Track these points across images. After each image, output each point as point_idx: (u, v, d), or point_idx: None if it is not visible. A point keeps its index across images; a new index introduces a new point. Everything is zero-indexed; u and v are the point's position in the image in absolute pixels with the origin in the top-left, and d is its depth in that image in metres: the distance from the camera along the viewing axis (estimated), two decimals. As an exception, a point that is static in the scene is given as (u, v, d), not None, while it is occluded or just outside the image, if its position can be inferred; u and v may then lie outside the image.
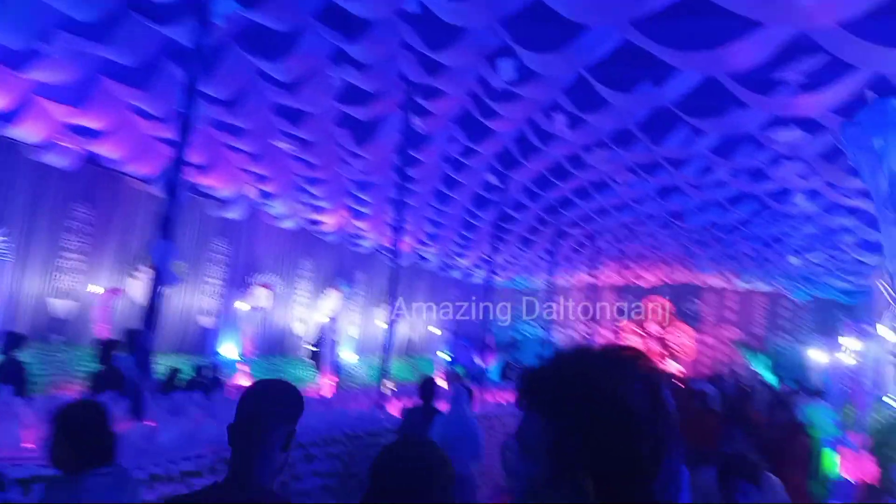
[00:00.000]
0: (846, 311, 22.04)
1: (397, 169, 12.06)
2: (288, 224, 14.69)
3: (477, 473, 4.98)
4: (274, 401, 1.82)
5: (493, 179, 12.19)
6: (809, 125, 7.48)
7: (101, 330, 10.12)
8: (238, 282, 13.96)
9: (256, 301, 13.97)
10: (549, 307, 25.29)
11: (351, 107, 9.31)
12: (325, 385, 13.35)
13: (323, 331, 16.35)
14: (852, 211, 10.99)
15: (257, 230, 14.58)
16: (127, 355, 5.66)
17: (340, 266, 17.65)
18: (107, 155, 10.00)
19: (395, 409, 7.58)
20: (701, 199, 12.36)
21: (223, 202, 12.79)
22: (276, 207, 13.43)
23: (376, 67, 8.23)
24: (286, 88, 8.68)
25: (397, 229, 8.74)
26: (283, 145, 10.29)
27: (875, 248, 13.40)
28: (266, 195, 12.63)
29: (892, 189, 1.49)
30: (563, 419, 1.01)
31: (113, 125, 9.18)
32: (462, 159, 11.37)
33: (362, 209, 14.24)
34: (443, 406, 5.65)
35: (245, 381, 11.85)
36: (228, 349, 13.19)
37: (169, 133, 9.29)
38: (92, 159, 10.06)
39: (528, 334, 25.36)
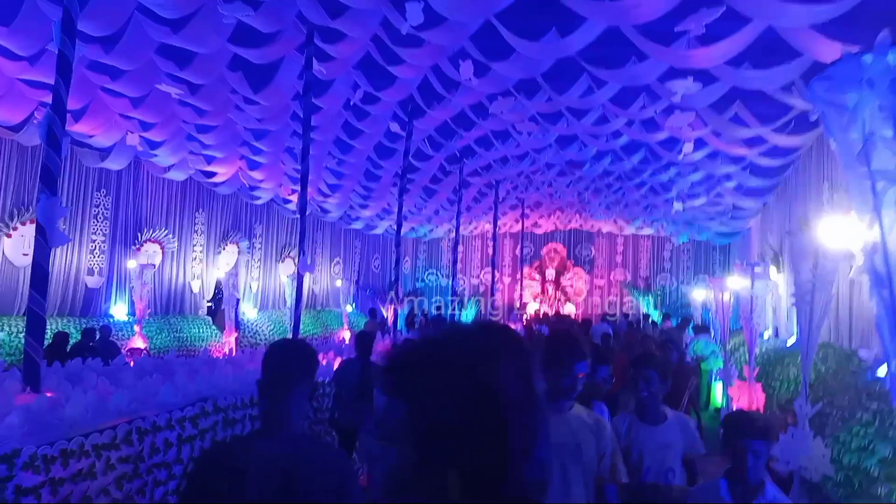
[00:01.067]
0: (721, 252, 23.89)
1: (296, 116, 11.61)
2: (177, 175, 13.82)
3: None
4: (299, 357, 2.07)
5: (395, 128, 11.96)
6: (703, 76, 7.81)
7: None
8: (125, 238, 13.06)
9: (147, 258, 13.16)
10: (451, 256, 25.68)
11: (245, 49, 8.72)
12: (228, 343, 12.92)
13: (221, 287, 15.74)
14: (735, 159, 11.70)
15: (143, 182, 13.64)
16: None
17: (237, 219, 16.92)
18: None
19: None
20: (597, 149, 12.74)
21: (103, 152, 11.80)
22: (164, 158, 12.55)
23: (273, 6, 7.73)
24: (172, 26, 8.00)
25: (301, 181, 8.37)
26: (170, 89, 9.54)
27: (752, 193, 14.45)
28: (151, 144, 11.76)
29: (866, 145, 1.58)
30: (427, 407, 0.93)
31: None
32: (364, 107, 11.05)
33: (258, 159, 13.61)
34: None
35: (141, 344, 11.23)
36: (119, 310, 12.41)
37: (38, 75, 8.41)
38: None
39: (430, 283, 25.65)
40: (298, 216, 18.85)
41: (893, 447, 4.06)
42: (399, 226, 11.27)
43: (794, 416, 4.91)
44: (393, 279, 24.50)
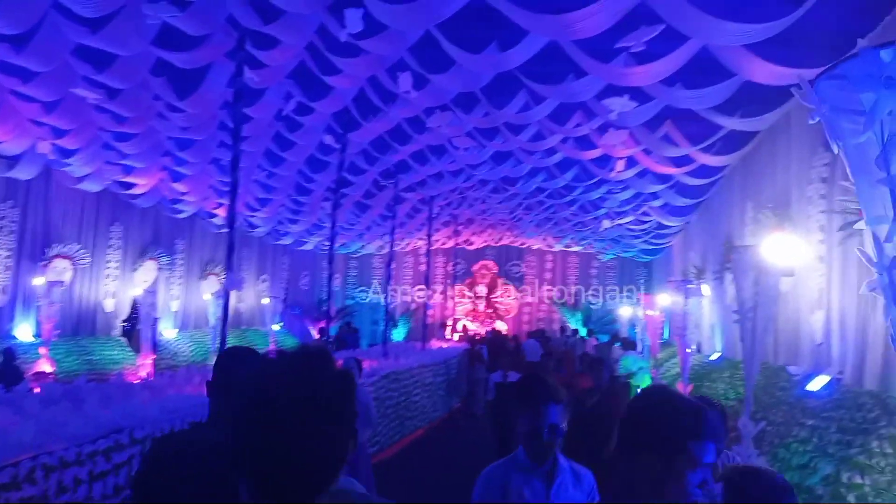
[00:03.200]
0: (645, 269, 24.62)
1: (224, 126, 11.11)
2: (92, 186, 12.97)
3: (368, 441, 5.04)
4: (244, 360, 2.27)
5: (329, 140, 11.63)
6: (638, 94, 7.94)
7: None
8: (32, 253, 12.11)
9: (56, 275, 12.24)
10: (383, 272, 25.31)
11: (171, 52, 8.25)
12: (145, 366, 12.13)
13: (138, 306, 14.85)
14: (663, 178, 12.03)
15: (54, 193, 12.73)
16: None
17: (157, 233, 16.06)
18: None
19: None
20: (532, 166, 12.83)
21: (11, 160, 10.93)
22: (78, 167, 11.74)
23: (203, 8, 7.33)
24: (90, 26, 7.46)
25: (231, 193, 7.95)
26: (86, 94, 8.92)
27: (677, 212, 14.92)
28: (64, 152, 10.97)
29: (886, 148, 1.52)
30: (234, 424, 1.09)
31: None
32: (297, 118, 10.70)
33: (182, 170, 12.96)
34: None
35: (48, 368, 10.36)
36: (24, 331, 11.46)
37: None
38: None
39: (361, 300, 25.18)
40: (224, 231, 18.10)
41: (836, 465, 4.08)
42: (332, 241, 10.92)
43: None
44: (323, 297, 23.93)
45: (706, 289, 8.22)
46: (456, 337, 20.16)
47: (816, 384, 6.00)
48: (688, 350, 7.63)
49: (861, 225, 2.17)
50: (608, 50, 6.85)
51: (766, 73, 6.48)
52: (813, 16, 5.67)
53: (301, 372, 1.10)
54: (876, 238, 1.83)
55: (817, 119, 1.99)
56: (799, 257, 4.71)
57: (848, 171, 2.07)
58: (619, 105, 7.52)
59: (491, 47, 7.38)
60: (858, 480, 3.71)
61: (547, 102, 8.74)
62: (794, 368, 6.90)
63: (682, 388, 7.09)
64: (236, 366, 2.27)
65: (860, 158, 1.83)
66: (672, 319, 13.81)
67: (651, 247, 20.53)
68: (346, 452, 1.11)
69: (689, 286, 7.09)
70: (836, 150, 2.02)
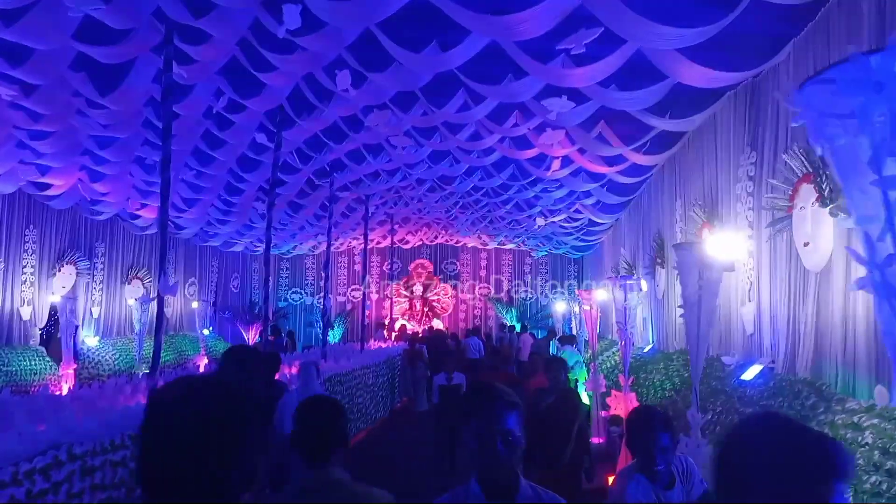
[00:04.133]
0: (576, 265, 25.22)
1: (148, 124, 10.61)
2: (5, 188, 12.15)
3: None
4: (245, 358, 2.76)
5: (262, 139, 11.31)
6: (574, 95, 8.08)
7: None
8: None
9: (-35, 282, 11.41)
10: (317, 273, 24.86)
11: (92, 46, 7.80)
12: (67, 376, 11.46)
13: (57, 313, 14.04)
14: (595, 177, 12.32)
15: (-39, 195, 11.87)
16: None
17: (75, 237, 15.21)
18: None
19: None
20: (469, 165, 12.88)
21: None
22: (-12, 167, 10.98)
23: (128, 0, 6.97)
24: (4, 18, 6.96)
25: (162, 194, 7.60)
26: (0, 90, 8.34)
27: (608, 209, 15.33)
28: (-27, 152, 10.24)
29: (877, 152, 1.57)
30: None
31: None
32: (228, 115, 10.34)
33: (102, 169, 12.32)
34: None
35: (-41, 382, 9.64)
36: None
37: None
38: None
39: (294, 302, 24.68)
40: (148, 233, 17.31)
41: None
42: (268, 242, 10.62)
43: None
44: (255, 299, 23.28)
45: (645, 284, 8.47)
46: (393, 336, 20.04)
47: (750, 373, 6.29)
48: (631, 344, 7.86)
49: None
50: (547, 51, 6.94)
51: (697, 76, 6.73)
52: (741, 21, 5.90)
53: (197, 400, 1.17)
54: (867, 237, 1.89)
55: (802, 122, 2.05)
56: (738, 253, 4.92)
57: (833, 171, 2.15)
58: (558, 105, 7.64)
59: (431, 46, 7.35)
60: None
61: (486, 102, 8.77)
62: (728, 358, 7.21)
63: (623, 380, 7.28)
64: (239, 364, 2.66)
65: (847, 160, 1.89)
66: (609, 314, 14.18)
67: (582, 243, 21.03)
68: (243, 476, 1.16)
69: (629, 281, 7.27)
70: (818, 152, 2.09)
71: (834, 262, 5.39)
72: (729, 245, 4.52)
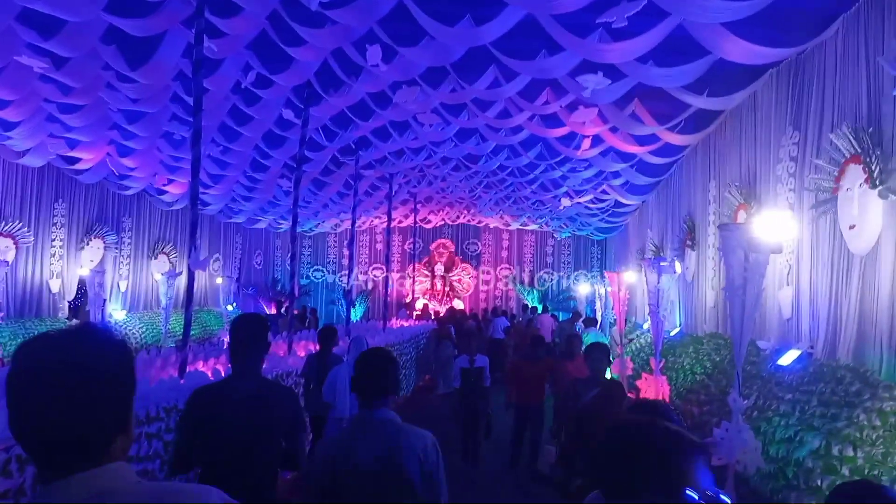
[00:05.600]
0: (599, 247, 24.99)
1: (176, 98, 10.59)
2: (34, 161, 12.24)
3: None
4: (259, 324, 3.11)
5: (289, 115, 11.24)
6: (609, 72, 7.89)
7: None
8: (-29, 231, 11.42)
9: (-3, 254, 11.57)
10: (339, 251, 24.92)
11: (123, 18, 7.75)
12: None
13: (85, 286, 14.22)
14: (625, 157, 12.10)
15: (-7, 168, 11.98)
16: None
17: (103, 211, 15.34)
18: None
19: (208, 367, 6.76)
20: (496, 143, 12.72)
21: (-57, 132, 10.20)
22: (19, 141, 11.04)
23: (160, -28, 6.91)
24: (36, -11, 6.93)
25: (192, 169, 7.58)
26: (31, 62, 8.33)
27: (636, 190, 15.09)
28: (5, 125, 10.29)
29: None
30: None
31: None
32: (256, 91, 10.27)
33: (131, 144, 12.35)
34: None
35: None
36: (-36, 314, 10.82)
37: None
38: None
39: (316, 280, 24.78)
40: (177, 209, 17.41)
41: (823, 438, 4.16)
42: (294, 218, 10.61)
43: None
44: (277, 276, 23.42)
45: (679, 266, 8.31)
46: (415, 315, 20.08)
47: (787, 358, 6.15)
48: (642, 326, 7.74)
49: None
50: (585, 25, 6.76)
51: (740, 51, 6.52)
52: (789, -5, 5.69)
53: (59, 345, 1.15)
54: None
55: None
56: (785, 234, 4.76)
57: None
58: (593, 82, 7.46)
59: (465, 20, 7.19)
60: (850, 453, 3.79)
61: (518, 79, 8.61)
62: (764, 343, 7.06)
63: (654, 363, 7.17)
64: (253, 329, 3.07)
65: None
66: (634, 296, 14.00)
67: (607, 225, 20.78)
68: (120, 419, 1.18)
69: (663, 263, 7.13)
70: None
71: (881, 246, 5.21)
72: (775, 226, 4.37)
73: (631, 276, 9.99)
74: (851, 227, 5.61)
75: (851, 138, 5.54)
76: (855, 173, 5.49)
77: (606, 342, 11.87)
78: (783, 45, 6.74)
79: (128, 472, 1.17)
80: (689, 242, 11.13)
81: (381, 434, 2.51)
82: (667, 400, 6.97)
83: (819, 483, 3.75)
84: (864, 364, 5.11)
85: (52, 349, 1.15)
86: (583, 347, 7.76)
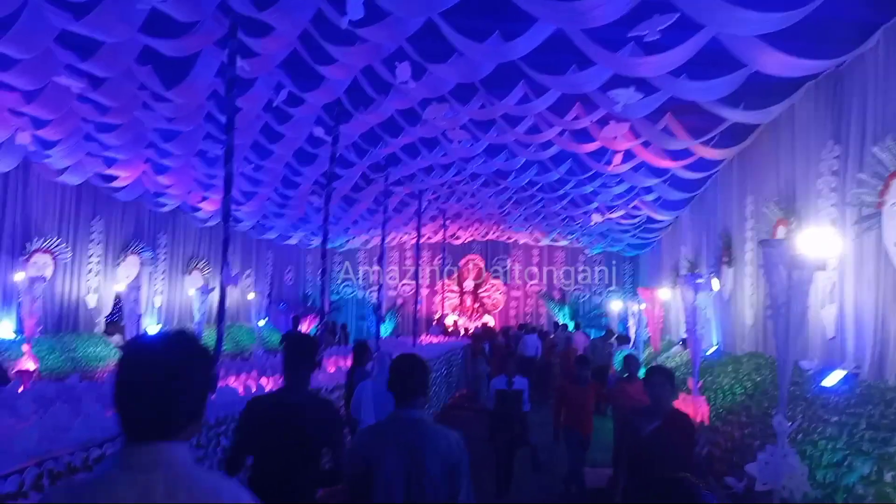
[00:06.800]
0: (631, 263, 24.63)
1: (210, 117, 10.75)
2: (72, 179, 12.53)
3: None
4: (309, 343, 3.58)
5: (319, 132, 11.33)
6: (642, 86, 7.77)
7: None
8: (12, 248, 11.68)
9: (37, 270, 11.82)
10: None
11: (158, 39, 7.90)
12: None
13: (122, 301, 14.44)
14: (658, 172, 11.91)
15: (33, 185, 12.28)
16: None
17: (139, 228, 15.63)
18: None
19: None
20: (525, 159, 12.64)
21: (-13, 151, 10.48)
22: (58, 159, 11.32)
23: (194, -7, 7.02)
24: (73, 11, 7.10)
25: (225, 186, 7.66)
26: (69, 83, 8.54)
27: (668, 206, 14.84)
28: (45, 144, 10.56)
29: None
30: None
31: None
32: (287, 109, 10.38)
33: (166, 162, 12.58)
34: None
35: (31, 365, 9.97)
36: (5, 328, 11.04)
37: None
38: None
39: (346, 296, 24.87)
40: (209, 225, 17.66)
41: (874, 463, 3.95)
42: (325, 234, 10.63)
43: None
44: (308, 292, 23.57)
45: (716, 283, 8.09)
46: (447, 332, 19.99)
47: (832, 379, 5.91)
48: (703, 348, 7.41)
49: None
50: (616, 39, 6.67)
51: (777, 63, 6.36)
52: (827, 6, 5.52)
53: (160, 344, 1.50)
54: None
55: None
56: (830, 250, 4.59)
57: None
58: (625, 97, 7.35)
59: (494, 36, 7.15)
60: (903, 481, 3.60)
61: (548, 94, 8.54)
62: (807, 363, 6.80)
63: (692, 383, 6.96)
64: (303, 347, 3.48)
65: None
66: (668, 313, 13.71)
67: (639, 241, 20.49)
68: (197, 408, 1.49)
69: (699, 280, 6.94)
70: None
71: (931, 263, 4.99)
72: (818, 242, 4.20)
73: (665, 293, 9.75)
74: (898, 244, 5.39)
75: (897, 151, 5.34)
76: (901, 187, 5.28)
77: (641, 360, 11.65)
78: (821, 56, 6.57)
79: (190, 452, 1.47)
80: (725, 259, 10.88)
81: (408, 431, 2.81)
82: (706, 421, 6.75)
83: (871, 512, 3.56)
84: (914, 387, 4.87)
85: (154, 348, 1.49)
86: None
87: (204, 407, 1.52)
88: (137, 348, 1.53)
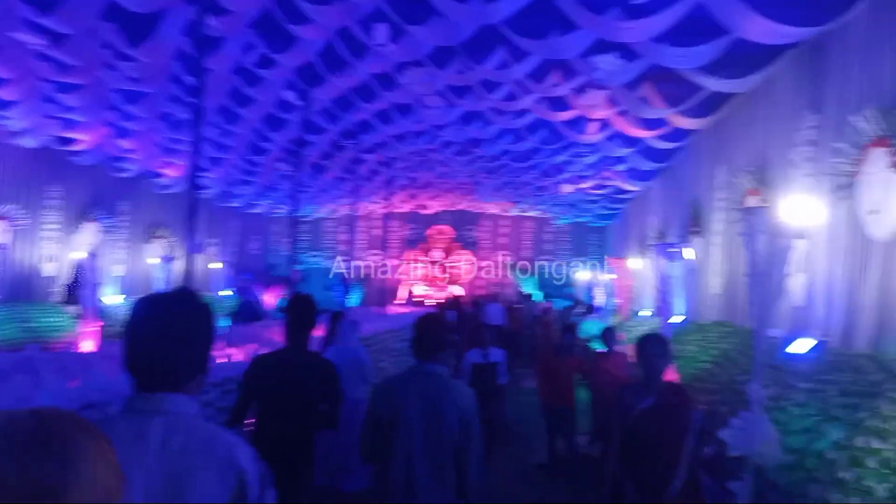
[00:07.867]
0: (598, 234, 24.87)
1: (175, 78, 10.35)
2: (29, 142, 11.99)
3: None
4: (310, 305, 3.74)
5: (289, 97, 11.04)
6: (624, 52, 7.73)
7: None
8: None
9: (-7, 237, 11.36)
10: (335, 237, 24.75)
11: (123, -6, 7.54)
12: (91, 333, 11.42)
13: (80, 270, 13.99)
14: (631, 141, 11.95)
15: (-13, 148, 11.73)
16: None
17: (99, 194, 15.09)
18: None
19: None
20: (500, 127, 12.55)
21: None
22: (15, 121, 10.80)
23: (162, -56, 6.69)
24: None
25: (192, 152, 7.39)
26: (27, 39, 8.10)
27: (638, 176, 14.96)
28: (1, 104, 10.05)
29: None
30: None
31: None
32: (257, 71, 10.06)
33: (128, 125, 12.12)
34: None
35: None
36: (-42, 297, 10.61)
37: None
38: None
39: (313, 265, 24.60)
40: (171, 192, 17.14)
41: (845, 430, 4.05)
42: (296, 203, 10.44)
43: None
44: (275, 262, 23.22)
45: (689, 252, 8.18)
46: (413, 302, 19.97)
47: (800, 347, 6.05)
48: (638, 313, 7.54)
49: None
50: (600, 2, 6.59)
51: (762, 30, 6.36)
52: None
53: (168, 300, 1.61)
54: None
55: None
56: (812, 219, 4.66)
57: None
58: (606, 63, 7.29)
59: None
60: (877, 445, 3.69)
61: (528, 59, 8.43)
62: (774, 331, 6.93)
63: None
64: (302, 309, 3.69)
65: None
66: (640, 283, 13.87)
67: (607, 212, 20.67)
68: (201, 361, 1.57)
69: (671, 249, 6.99)
70: None
71: (905, 232, 5.10)
72: (800, 210, 4.25)
73: (636, 263, 9.84)
74: (872, 213, 5.49)
75: (878, 119, 5.40)
76: (879, 157, 5.36)
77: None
78: (806, 23, 6.58)
79: (196, 403, 1.54)
80: (695, 229, 11.01)
81: (428, 383, 3.03)
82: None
83: (843, 476, 3.65)
84: (886, 353, 5.01)
85: (162, 304, 1.59)
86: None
87: (208, 360, 1.59)
88: (147, 304, 1.59)
